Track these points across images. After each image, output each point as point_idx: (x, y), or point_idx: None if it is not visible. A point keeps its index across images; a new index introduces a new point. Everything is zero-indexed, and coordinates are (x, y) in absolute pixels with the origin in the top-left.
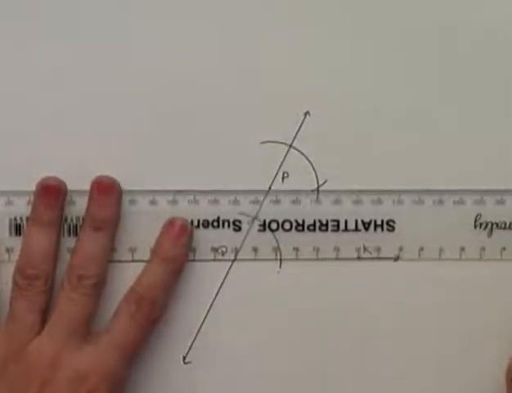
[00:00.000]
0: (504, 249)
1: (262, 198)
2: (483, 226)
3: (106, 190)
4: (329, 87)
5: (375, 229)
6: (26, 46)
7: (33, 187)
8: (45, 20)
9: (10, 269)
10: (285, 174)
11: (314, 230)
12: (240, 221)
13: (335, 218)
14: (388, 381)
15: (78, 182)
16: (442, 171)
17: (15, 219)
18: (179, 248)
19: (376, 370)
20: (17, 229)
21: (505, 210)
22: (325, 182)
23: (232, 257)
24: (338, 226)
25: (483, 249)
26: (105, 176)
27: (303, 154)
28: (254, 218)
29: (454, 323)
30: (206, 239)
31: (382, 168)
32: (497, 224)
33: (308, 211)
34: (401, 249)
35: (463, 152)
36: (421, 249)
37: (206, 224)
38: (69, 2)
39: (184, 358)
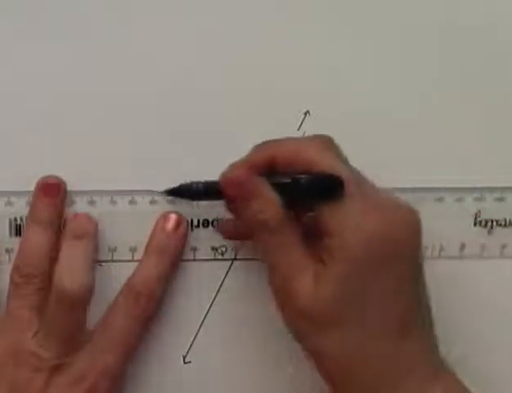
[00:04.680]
0: (504, 246)
1: None
2: (483, 223)
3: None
4: (329, 87)
5: None
6: (26, 46)
7: (33, 188)
8: (45, 20)
9: (10, 270)
10: None
11: None
12: None
13: None
14: None
15: (78, 182)
16: (442, 169)
17: (15, 219)
18: (176, 240)
19: None
20: (17, 230)
21: (505, 207)
22: None
23: (232, 256)
24: None
25: (484, 246)
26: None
27: None
28: None
29: (454, 321)
30: (206, 239)
31: (381, 167)
32: (497, 221)
33: None
34: None
35: (463, 150)
36: None
37: (206, 224)
38: (69, 2)
39: (184, 358)
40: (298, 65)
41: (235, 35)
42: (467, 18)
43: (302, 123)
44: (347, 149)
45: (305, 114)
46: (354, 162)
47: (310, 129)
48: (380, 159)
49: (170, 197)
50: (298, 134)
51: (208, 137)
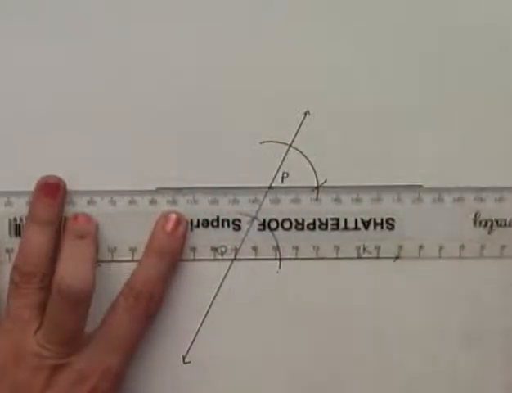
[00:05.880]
0: (504, 247)
1: (261, 197)
2: (483, 223)
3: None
4: (329, 87)
5: (374, 228)
6: (26, 46)
7: (33, 188)
8: (45, 20)
9: (10, 270)
10: (285, 174)
11: (314, 229)
12: (239, 220)
13: (335, 216)
14: (388, 381)
15: (78, 182)
16: (442, 169)
17: (15, 219)
18: (175, 240)
19: (376, 369)
20: (17, 230)
21: (504, 207)
22: (324, 182)
23: (232, 256)
24: (337, 225)
25: (483, 246)
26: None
27: (303, 154)
28: (254, 217)
29: (454, 322)
30: (206, 239)
31: (381, 166)
32: (497, 222)
33: (308, 210)
34: (400, 247)
35: (462, 150)
36: (421, 247)
37: (206, 224)
38: (69, 2)
39: (184, 358)
40: (298, 65)
41: (235, 35)
42: (467, 18)
43: (302, 123)
44: (347, 149)
45: (305, 114)
46: (354, 162)
47: (310, 129)
48: (380, 159)
49: (170, 197)
50: (299, 134)
51: (208, 136)
